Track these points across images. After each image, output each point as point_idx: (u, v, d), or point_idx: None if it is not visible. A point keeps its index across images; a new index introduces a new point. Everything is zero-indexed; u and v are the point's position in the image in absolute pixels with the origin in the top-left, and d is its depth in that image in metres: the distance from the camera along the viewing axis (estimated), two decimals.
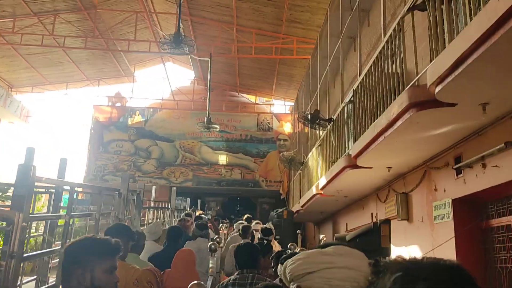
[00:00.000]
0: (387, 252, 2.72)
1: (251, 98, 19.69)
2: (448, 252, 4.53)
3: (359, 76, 5.78)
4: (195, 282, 2.39)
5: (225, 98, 18.97)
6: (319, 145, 8.81)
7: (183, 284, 2.92)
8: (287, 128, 18.54)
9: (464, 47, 2.67)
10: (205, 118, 11.34)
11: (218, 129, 11.64)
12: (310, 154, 10.05)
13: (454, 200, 4.53)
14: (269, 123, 18.58)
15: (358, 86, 5.86)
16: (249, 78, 17.23)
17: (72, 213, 2.72)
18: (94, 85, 18.66)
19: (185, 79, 20.15)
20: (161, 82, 19.37)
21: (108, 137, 17.91)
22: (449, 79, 2.95)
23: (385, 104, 4.55)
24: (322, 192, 8.21)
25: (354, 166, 5.87)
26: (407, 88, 3.74)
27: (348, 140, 6.27)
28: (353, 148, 5.60)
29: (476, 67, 2.73)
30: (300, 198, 11.25)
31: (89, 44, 13.80)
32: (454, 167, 4.41)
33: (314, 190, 8.78)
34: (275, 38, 12.71)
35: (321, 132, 9.10)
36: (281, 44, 12.64)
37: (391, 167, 5.76)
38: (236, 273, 2.89)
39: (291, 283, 1.22)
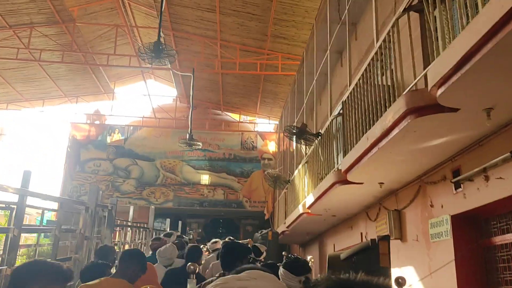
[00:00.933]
0: (387, 273, 2.44)
1: (235, 117, 19.44)
2: (447, 273, 4.23)
3: (349, 86, 5.56)
4: None
5: (208, 116, 18.68)
6: (306, 162, 8.53)
7: None
8: (271, 147, 18.28)
9: (471, 42, 2.43)
10: (187, 135, 10.97)
11: (200, 147, 11.26)
12: (296, 172, 9.76)
13: (453, 217, 4.26)
14: (253, 141, 18.31)
15: (347, 97, 5.64)
16: (233, 95, 17.01)
17: (22, 227, 2.35)
18: (72, 102, 18.17)
19: (167, 97, 19.82)
20: (141, 99, 19.07)
21: (86, 156, 17.35)
22: (454, 78, 2.71)
23: (377, 113, 4.30)
24: (309, 211, 7.88)
25: (344, 181, 5.58)
26: (404, 93, 3.50)
27: (337, 155, 6.01)
28: (343, 162, 5.33)
29: (485, 64, 2.49)
30: (286, 218, 10.89)
31: (67, 59, 13.41)
32: (453, 180, 4.15)
33: (300, 209, 8.46)
34: (260, 54, 12.56)
35: (307, 148, 8.83)
36: (266, 60, 12.49)
37: (383, 183, 5.48)
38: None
39: None
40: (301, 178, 9.03)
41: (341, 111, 6.03)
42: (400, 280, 3.08)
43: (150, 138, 17.92)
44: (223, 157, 18.01)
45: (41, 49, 12.64)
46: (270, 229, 12.03)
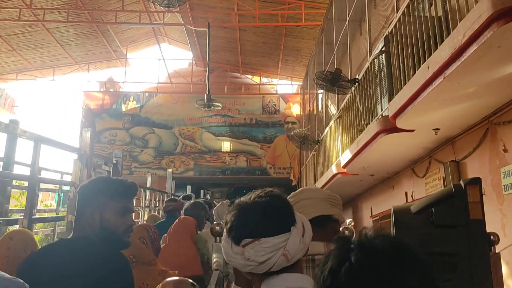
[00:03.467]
0: (480, 227, 1.91)
1: (255, 79, 18.60)
2: None
3: (396, 13, 4.70)
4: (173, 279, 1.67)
5: (226, 79, 17.90)
6: (339, 117, 7.75)
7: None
8: (295, 110, 17.44)
9: None
10: (205, 96, 10.29)
11: (220, 108, 10.61)
12: (326, 130, 8.99)
13: None
14: (275, 105, 17.49)
15: (393, 29, 4.79)
16: (252, 55, 16.13)
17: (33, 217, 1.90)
18: (84, 70, 17.62)
19: (182, 60, 19.06)
20: (156, 65, 18.38)
21: (101, 126, 16.90)
22: None
23: (429, 48, 3.49)
24: (345, 170, 7.17)
25: (391, 129, 4.82)
26: None
27: (381, 100, 5.21)
28: (391, 106, 4.55)
29: None
30: (316, 182, 10.22)
31: (72, 19, 12.72)
32: None
33: (334, 170, 7.75)
34: (281, 4, 11.61)
35: (339, 103, 8.03)
36: (288, 10, 11.54)
37: (438, 129, 4.70)
38: None
39: None
40: (333, 136, 8.27)
41: (383, 48, 5.20)
42: (492, 236, 2.37)
43: (166, 105, 17.30)
44: (244, 122, 17.30)
45: (44, 8, 11.98)
46: None
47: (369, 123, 5.54)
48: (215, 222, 2.71)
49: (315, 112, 14.45)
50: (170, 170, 8.30)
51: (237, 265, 1.07)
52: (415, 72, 4.02)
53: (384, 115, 5.02)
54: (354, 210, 10.18)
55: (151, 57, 18.59)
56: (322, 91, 13.57)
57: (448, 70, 3.24)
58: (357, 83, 6.05)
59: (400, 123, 4.50)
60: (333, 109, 11.31)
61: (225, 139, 17.15)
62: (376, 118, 5.18)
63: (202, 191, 13.68)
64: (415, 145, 5.41)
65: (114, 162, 3.34)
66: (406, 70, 4.39)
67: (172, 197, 5.17)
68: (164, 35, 18.00)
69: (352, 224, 6.22)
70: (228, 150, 17.06)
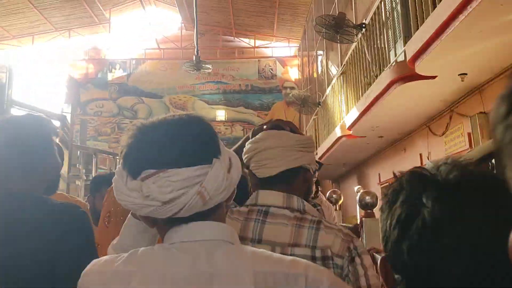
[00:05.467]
0: None
1: (250, 42, 17.70)
2: None
3: None
4: None
5: (218, 43, 17.02)
6: (342, 73, 7.05)
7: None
8: (293, 74, 16.66)
9: None
10: (194, 57, 9.53)
11: (210, 69, 9.88)
12: (329, 89, 8.29)
13: None
14: (272, 69, 16.70)
15: None
16: (246, 14, 15.21)
17: None
18: (65, 36, 16.69)
19: (171, 25, 18.09)
20: (142, 30, 17.41)
21: (86, 97, 16.14)
22: None
23: None
24: (351, 132, 6.52)
25: (408, 77, 4.14)
26: None
27: (395, 44, 4.50)
28: (409, 46, 3.84)
29: None
30: (317, 148, 9.59)
31: None
32: None
33: (338, 132, 7.10)
34: None
35: (344, 55, 7.32)
36: None
37: (466, 74, 4.01)
38: None
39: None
40: (337, 95, 7.58)
41: None
42: None
43: (155, 73, 16.49)
44: (239, 88, 16.54)
45: None
46: None
47: (380, 74, 4.85)
48: None
49: (315, 75, 13.74)
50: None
51: (132, 206, 0.81)
52: (435, 7, 3.32)
53: (398, 61, 4.33)
54: (359, 176, 9.59)
55: (137, 21, 17.65)
56: (322, 52, 12.87)
57: None
58: (364, 29, 5.32)
59: (420, 67, 3.81)
60: (334, 71, 10.61)
61: (220, 108, 16.43)
62: (389, 65, 4.48)
63: None
64: (434, 97, 4.74)
65: None
66: (424, 4, 3.68)
67: None
68: None
69: (361, 191, 5.62)
70: (223, 119, 16.38)
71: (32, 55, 16.83)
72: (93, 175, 6.05)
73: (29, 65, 16.62)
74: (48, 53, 17.02)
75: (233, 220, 1.27)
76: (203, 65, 9.35)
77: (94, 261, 0.85)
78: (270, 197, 1.29)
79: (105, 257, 0.86)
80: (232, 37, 17.41)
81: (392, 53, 4.55)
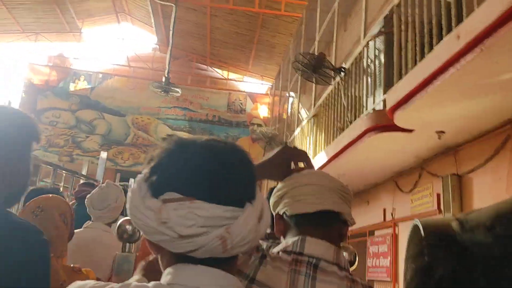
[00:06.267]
0: None
1: (223, 74, 17.59)
2: None
3: None
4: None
5: (191, 70, 16.80)
6: (314, 115, 6.90)
7: None
8: (263, 111, 16.59)
9: None
10: (163, 78, 9.22)
11: (179, 94, 9.57)
12: (298, 130, 8.12)
13: None
14: (242, 103, 16.57)
15: (395, 8, 3.98)
16: (223, 45, 15.14)
17: None
18: (31, 39, 16.04)
19: (144, 45, 17.78)
20: (114, 45, 17.02)
21: (43, 104, 15.36)
22: None
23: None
24: None
25: (384, 127, 3.97)
26: None
27: (374, 91, 4.35)
28: (391, 95, 3.69)
29: None
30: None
31: None
32: None
33: None
34: None
35: (314, 103, 7.20)
36: None
37: (443, 132, 3.88)
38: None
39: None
40: (305, 137, 7.41)
41: (382, 29, 4.37)
42: None
43: (122, 90, 15.98)
44: (206, 118, 16.25)
45: None
46: None
47: (355, 120, 4.68)
48: (125, 218, 1.73)
49: (284, 116, 13.68)
50: (105, 154, 7.14)
51: (144, 227, 0.71)
52: (423, 57, 3.20)
53: (376, 109, 4.17)
54: None
55: (110, 35, 17.26)
56: (293, 94, 12.87)
57: (490, 39, 2.39)
58: (343, 73, 5.19)
59: (399, 118, 3.65)
60: (304, 114, 10.53)
61: (183, 134, 15.88)
62: (365, 113, 4.31)
63: None
64: (406, 151, 4.60)
65: None
66: (410, 54, 3.57)
67: (90, 181, 4.07)
68: (127, 12, 16.74)
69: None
70: None
71: None
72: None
73: None
74: (9, 53, 16.25)
75: (276, 270, 1.12)
76: (172, 88, 9.03)
77: (79, 283, 0.73)
78: (319, 248, 1.15)
79: (91, 282, 0.73)
80: (206, 66, 17.26)
81: (370, 100, 4.40)
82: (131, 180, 10.54)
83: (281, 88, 12.65)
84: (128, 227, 1.63)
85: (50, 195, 1.74)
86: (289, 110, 13.87)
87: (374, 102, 4.27)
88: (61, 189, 5.76)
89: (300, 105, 10.57)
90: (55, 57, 16.31)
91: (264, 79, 17.01)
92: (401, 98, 3.41)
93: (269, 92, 16.62)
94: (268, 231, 2.38)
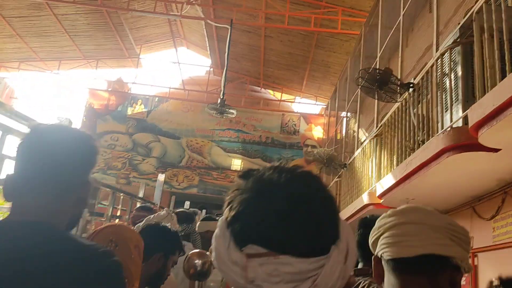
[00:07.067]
0: None
1: (276, 95, 17.51)
2: None
3: None
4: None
5: (244, 92, 16.86)
6: (376, 135, 6.53)
7: None
8: (317, 132, 16.27)
9: None
10: (218, 100, 9.20)
11: (234, 115, 9.51)
12: (358, 151, 7.75)
13: None
14: (295, 124, 16.35)
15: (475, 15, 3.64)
16: (276, 66, 15.09)
17: None
18: (92, 66, 16.78)
19: (199, 68, 18.14)
20: (170, 69, 17.56)
21: (102, 128, 15.90)
22: None
23: None
24: (381, 201, 5.90)
25: (466, 146, 3.58)
26: None
27: (451, 107, 3.98)
28: (474, 110, 3.31)
29: None
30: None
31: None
32: None
33: (365, 200, 6.47)
34: (315, 7, 10.58)
35: (377, 122, 6.84)
36: (322, 14, 10.48)
37: None
38: None
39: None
40: (367, 158, 7.03)
41: (458, 39, 4.02)
42: None
43: (176, 113, 16.27)
44: (259, 140, 16.14)
45: None
46: None
47: (428, 140, 4.31)
48: (195, 251, 1.52)
49: (338, 137, 13.29)
50: (162, 176, 7.11)
51: (232, 282, 0.68)
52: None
53: (454, 126, 3.80)
54: None
55: (166, 60, 17.75)
56: (349, 114, 12.48)
57: None
58: (411, 89, 4.84)
59: (485, 136, 3.26)
60: (361, 134, 10.14)
61: (236, 156, 15.97)
62: (442, 130, 3.94)
63: (204, 211, 12.42)
64: (488, 173, 4.15)
65: None
66: (496, 64, 3.20)
67: (147, 205, 3.92)
68: (183, 37, 17.18)
69: None
70: (238, 169, 15.85)
71: (56, 79, 16.87)
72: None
73: (52, 89, 16.67)
74: (72, 79, 17.05)
75: None
76: (227, 109, 8.98)
77: None
78: None
79: None
80: (259, 88, 17.28)
81: (446, 117, 4.02)
82: (186, 202, 10.55)
83: (337, 108, 12.32)
84: (198, 262, 1.42)
85: (117, 224, 1.58)
86: (344, 130, 13.47)
87: (451, 119, 3.89)
88: (119, 212, 5.73)
89: (355, 125, 10.20)
90: (114, 82, 16.93)
91: (318, 100, 16.76)
92: (489, 113, 3.04)
93: (323, 113, 16.32)
94: (360, 265, 2.10)
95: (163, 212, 2.25)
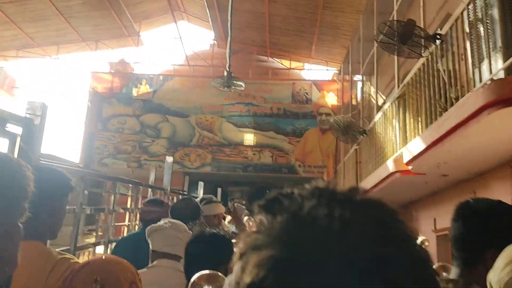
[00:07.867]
0: None
1: (284, 63, 16.96)
2: None
3: None
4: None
5: (251, 63, 16.33)
6: (398, 97, 6.10)
7: None
8: (330, 99, 15.76)
9: None
10: (225, 73, 8.77)
11: (243, 88, 9.06)
12: (379, 116, 7.32)
13: None
14: (307, 93, 15.83)
15: None
16: (282, 33, 14.52)
17: None
18: (92, 48, 16.36)
19: (202, 42, 17.61)
20: (172, 45, 17.03)
21: (108, 112, 15.61)
22: None
23: None
24: (409, 167, 5.51)
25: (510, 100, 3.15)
26: None
27: (488, 58, 3.53)
28: None
29: None
30: (359, 183, 8.57)
31: None
32: None
33: (390, 167, 6.08)
34: None
35: (398, 82, 6.38)
36: None
37: None
38: None
39: None
40: (389, 123, 6.61)
41: None
42: None
43: (183, 90, 15.86)
44: (271, 112, 15.70)
45: None
46: None
47: (461, 96, 3.88)
48: (202, 273, 1.18)
49: (354, 102, 12.82)
50: (170, 159, 6.80)
51: None
52: None
53: (494, 79, 3.36)
54: (407, 220, 8.47)
55: (168, 36, 17.25)
56: (361, 77, 11.95)
57: None
58: (439, 40, 4.38)
59: None
60: (380, 99, 9.66)
61: (248, 131, 15.59)
62: (481, 84, 3.50)
63: (219, 190, 12.16)
64: None
65: (28, 115, 1.83)
66: None
67: (157, 198, 3.57)
68: (183, 10, 16.60)
69: (427, 244, 4.59)
70: (251, 144, 15.51)
71: (57, 65, 16.53)
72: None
73: (53, 75, 16.36)
74: (73, 64, 16.70)
75: None
76: (235, 82, 8.55)
77: None
78: None
79: None
80: (266, 57, 16.74)
81: (483, 69, 3.58)
82: (200, 183, 10.26)
83: (351, 72, 11.80)
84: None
85: (105, 257, 1.26)
86: (359, 95, 12.96)
87: (490, 71, 3.45)
88: (129, 199, 5.45)
89: (372, 89, 9.73)
90: (117, 63, 16.52)
91: (329, 65, 16.18)
92: None
93: (335, 78, 15.78)
94: (454, 271, 1.69)
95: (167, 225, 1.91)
